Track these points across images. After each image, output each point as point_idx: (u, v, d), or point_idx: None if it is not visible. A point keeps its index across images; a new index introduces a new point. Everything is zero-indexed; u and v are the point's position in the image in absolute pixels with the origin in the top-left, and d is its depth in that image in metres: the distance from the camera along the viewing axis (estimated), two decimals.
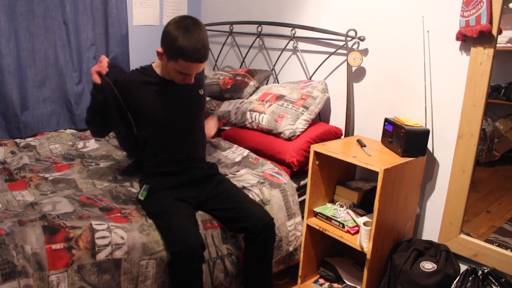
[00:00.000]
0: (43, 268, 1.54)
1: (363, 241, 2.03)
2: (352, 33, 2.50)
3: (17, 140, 2.69)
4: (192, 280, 1.74)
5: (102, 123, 2.03)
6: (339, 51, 2.62)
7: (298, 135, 2.44)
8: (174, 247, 1.73)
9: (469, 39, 2.01)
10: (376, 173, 1.93)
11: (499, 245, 2.05)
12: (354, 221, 2.18)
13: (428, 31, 2.19)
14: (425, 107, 2.23)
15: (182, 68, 1.79)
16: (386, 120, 2.23)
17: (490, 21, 1.91)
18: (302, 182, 2.42)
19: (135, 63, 3.38)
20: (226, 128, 2.78)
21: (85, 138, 2.85)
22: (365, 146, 2.21)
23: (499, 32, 1.94)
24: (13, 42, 2.68)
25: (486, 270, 1.86)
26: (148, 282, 1.75)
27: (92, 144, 2.73)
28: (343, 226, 2.17)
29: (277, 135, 2.49)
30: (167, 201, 1.90)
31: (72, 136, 2.85)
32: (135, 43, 3.37)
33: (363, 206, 2.29)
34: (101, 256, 1.64)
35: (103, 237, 1.67)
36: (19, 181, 2.12)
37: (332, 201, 2.40)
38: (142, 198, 1.96)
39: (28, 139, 2.74)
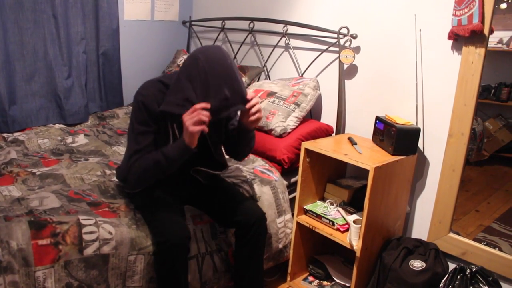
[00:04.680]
0: (29, 264, 1.52)
1: (353, 239, 2.03)
2: (344, 31, 2.50)
3: (5, 135, 2.66)
4: (177, 273, 1.72)
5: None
6: (331, 48, 2.61)
7: (289, 132, 2.44)
8: (160, 237, 1.71)
9: (461, 38, 2.01)
10: (367, 171, 1.93)
11: (487, 244, 2.06)
12: (344, 219, 2.18)
13: (420, 30, 2.19)
14: (416, 105, 2.24)
15: None
16: (377, 118, 2.23)
17: (482, 20, 1.91)
18: (292, 179, 2.42)
19: (125, 58, 3.37)
20: None
21: (74, 133, 2.82)
22: (356, 144, 2.21)
23: (491, 32, 1.95)
24: (1, 35, 2.63)
25: (474, 269, 1.88)
26: (136, 277, 1.74)
27: (81, 139, 2.70)
28: (333, 224, 2.17)
29: (268, 132, 2.48)
30: (155, 194, 1.88)
31: (61, 131, 2.82)
32: (126, 38, 3.34)
33: (353, 204, 2.29)
34: (88, 251, 1.62)
35: (91, 232, 1.65)
36: (6, 176, 2.08)
37: (323, 199, 2.40)
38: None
39: (16, 134, 2.70)
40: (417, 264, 1.97)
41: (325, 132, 2.53)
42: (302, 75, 2.81)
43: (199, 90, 1.62)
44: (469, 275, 1.87)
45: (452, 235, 2.16)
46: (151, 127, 1.76)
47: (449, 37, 2.05)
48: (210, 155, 1.94)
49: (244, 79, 2.89)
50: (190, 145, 1.66)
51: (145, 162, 1.74)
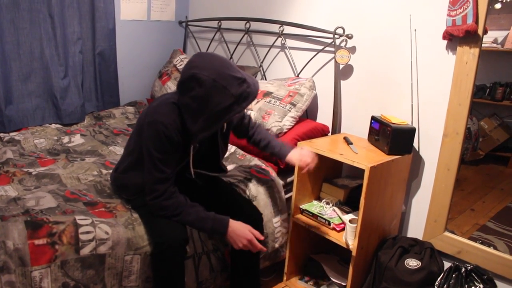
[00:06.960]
0: (26, 264, 1.52)
1: (349, 238, 2.04)
2: (340, 31, 2.51)
3: (1, 135, 2.65)
4: (174, 274, 1.72)
5: None
6: (327, 48, 2.62)
7: (285, 132, 2.44)
8: (158, 238, 1.72)
9: (456, 38, 2.02)
10: (363, 171, 1.93)
11: (482, 243, 2.07)
12: (340, 218, 2.19)
13: (415, 30, 2.20)
14: (412, 105, 2.25)
15: None
16: (373, 118, 2.23)
17: (476, 20, 1.92)
18: (288, 179, 2.42)
19: (122, 58, 3.36)
20: None
21: (70, 133, 2.82)
22: (351, 143, 2.22)
23: (485, 32, 1.96)
24: None
25: (469, 267, 1.89)
26: (133, 277, 1.74)
27: (77, 139, 2.70)
28: (329, 223, 2.17)
29: None
30: None
31: (57, 131, 2.82)
32: (122, 38, 3.34)
33: (349, 203, 2.29)
34: (85, 251, 1.63)
35: (87, 232, 1.65)
36: (2, 176, 2.08)
37: (319, 198, 2.41)
38: None
39: (12, 134, 2.70)
40: (412, 263, 1.98)
41: (321, 132, 2.54)
42: (298, 75, 2.82)
43: (214, 95, 1.60)
44: (464, 274, 1.88)
45: (447, 234, 2.17)
46: (171, 154, 1.75)
47: (444, 37, 2.06)
48: (211, 159, 1.94)
49: None
50: (225, 235, 1.76)
51: (178, 209, 1.74)
